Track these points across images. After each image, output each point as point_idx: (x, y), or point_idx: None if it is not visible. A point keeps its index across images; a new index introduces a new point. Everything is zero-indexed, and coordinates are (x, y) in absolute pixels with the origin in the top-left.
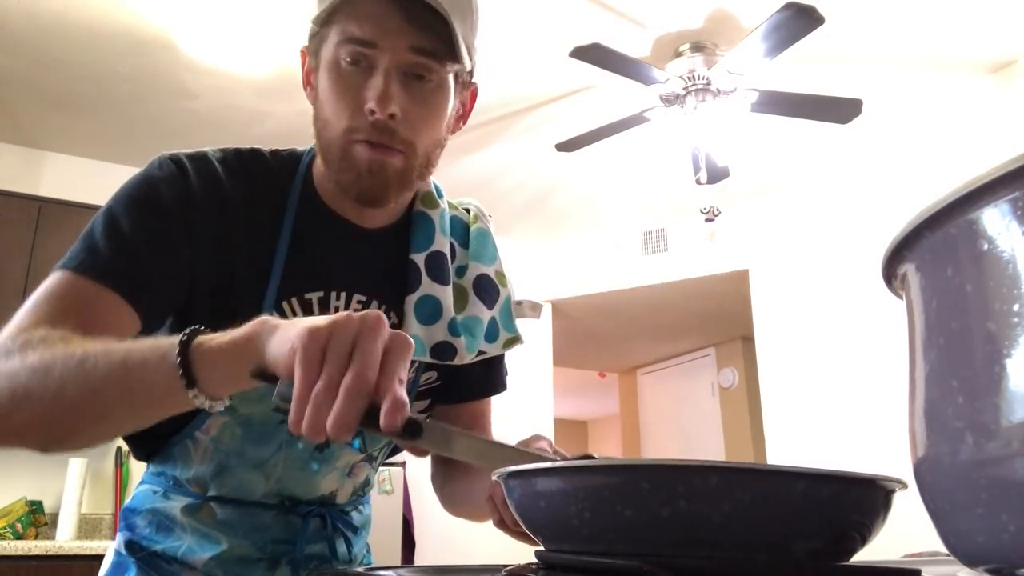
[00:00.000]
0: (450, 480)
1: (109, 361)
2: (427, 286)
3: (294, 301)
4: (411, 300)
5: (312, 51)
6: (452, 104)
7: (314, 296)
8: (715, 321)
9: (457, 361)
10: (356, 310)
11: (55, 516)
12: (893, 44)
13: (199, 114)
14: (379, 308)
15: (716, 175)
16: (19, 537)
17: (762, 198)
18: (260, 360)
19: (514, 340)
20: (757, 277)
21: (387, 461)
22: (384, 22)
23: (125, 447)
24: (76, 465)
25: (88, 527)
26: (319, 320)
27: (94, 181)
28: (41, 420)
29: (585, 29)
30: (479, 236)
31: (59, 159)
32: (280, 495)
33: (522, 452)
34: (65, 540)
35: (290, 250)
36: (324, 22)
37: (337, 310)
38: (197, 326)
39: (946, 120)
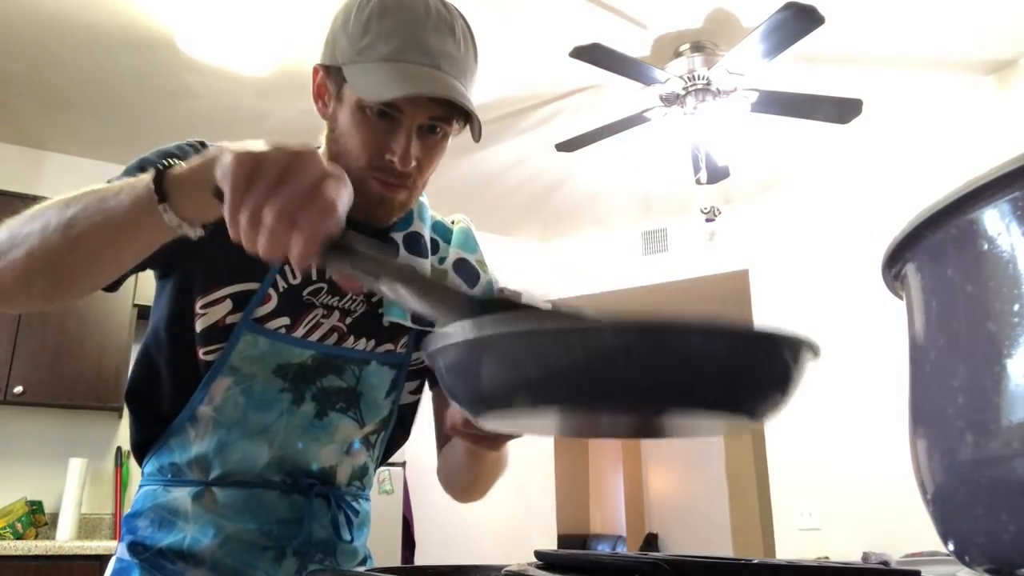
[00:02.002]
0: (445, 459)
1: (87, 197)
2: (405, 257)
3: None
4: None
5: (333, 79)
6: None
7: None
8: None
9: (438, 328)
10: None
11: (55, 516)
12: (893, 44)
13: (200, 114)
14: None
15: (716, 175)
16: (19, 537)
17: (762, 198)
18: (213, 182)
19: None
20: (757, 277)
21: (387, 461)
22: (415, 99)
23: (125, 447)
24: (76, 465)
25: (88, 527)
26: (254, 148)
27: (94, 181)
28: (32, 261)
29: (585, 29)
30: (461, 232)
31: (59, 159)
32: (282, 466)
33: (449, 289)
34: (65, 540)
35: None
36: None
37: (331, 275)
38: (170, 162)
39: (946, 120)
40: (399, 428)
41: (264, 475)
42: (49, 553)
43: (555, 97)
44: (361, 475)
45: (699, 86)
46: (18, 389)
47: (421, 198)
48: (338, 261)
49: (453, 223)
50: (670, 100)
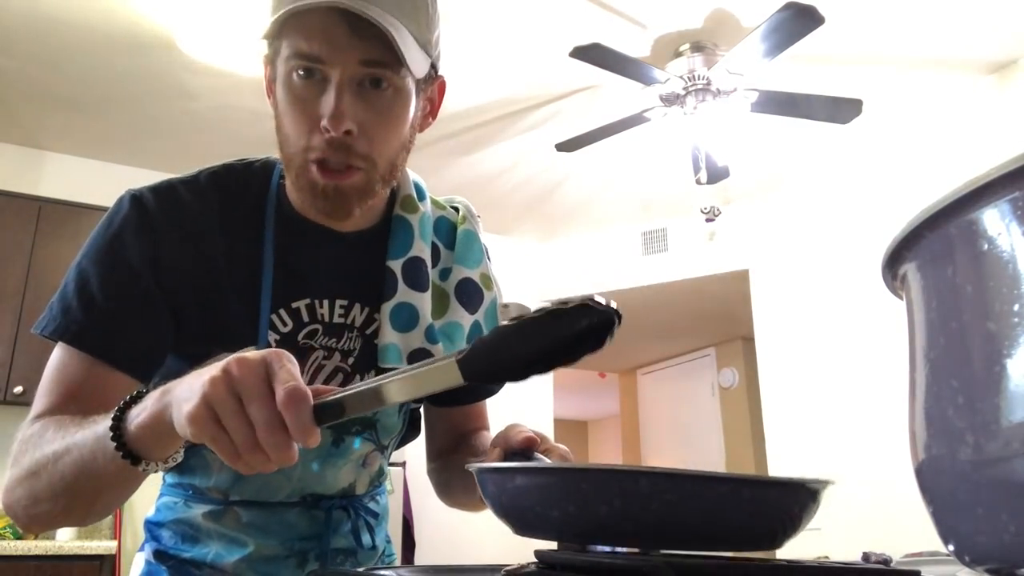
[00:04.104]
0: (447, 472)
1: (73, 460)
2: (403, 293)
3: (283, 312)
4: (387, 308)
5: (270, 61)
6: (415, 106)
7: (301, 304)
8: (715, 321)
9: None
10: (340, 314)
11: None
12: (893, 44)
13: (199, 114)
14: (361, 310)
15: (716, 175)
16: (19, 537)
17: (762, 198)
18: (179, 438)
19: None
20: (757, 277)
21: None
22: (331, 36)
23: None
24: None
25: (88, 527)
26: (193, 394)
27: (94, 181)
28: (56, 513)
29: (585, 29)
30: (465, 238)
31: (59, 159)
32: (302, 492)
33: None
34: (65, 540)
35: (275, 263)
36: (276, 35)
37: (323, 316)
38: (117, 416)
39: (946, 120)
40: (410, 428)
41: (284, 500)
42: (49, 553)
43: (555, 97)
44: (378, 477)
45: (699, 86)
46: (18, 389)
47: (423, 208)
48: (333, 417)
49: (456, 210)
50: (670, 100)
